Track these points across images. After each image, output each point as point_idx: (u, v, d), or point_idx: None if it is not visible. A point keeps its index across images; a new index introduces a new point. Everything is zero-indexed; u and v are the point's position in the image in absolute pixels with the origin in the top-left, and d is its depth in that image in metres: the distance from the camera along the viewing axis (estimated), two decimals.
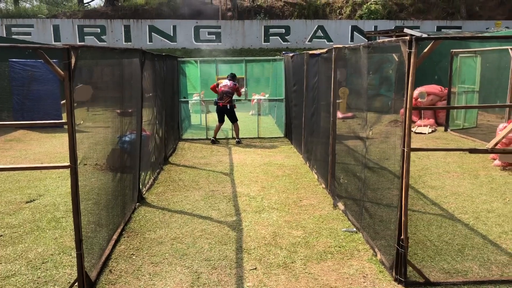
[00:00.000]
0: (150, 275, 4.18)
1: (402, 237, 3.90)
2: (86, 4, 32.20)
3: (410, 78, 3.72)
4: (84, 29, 26.10)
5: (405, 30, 20.32)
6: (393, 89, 4.41)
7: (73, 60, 3.41)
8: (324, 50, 6.83)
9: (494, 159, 8.24)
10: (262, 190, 6.89)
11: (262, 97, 14.20)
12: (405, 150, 3.81)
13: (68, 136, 3.46)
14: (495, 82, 12.06)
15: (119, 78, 5.47)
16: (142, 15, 27.56)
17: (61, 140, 11.15)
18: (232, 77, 10.72)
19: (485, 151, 3.92)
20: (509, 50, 9.54)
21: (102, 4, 31.01)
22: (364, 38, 25.32)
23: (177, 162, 8.91)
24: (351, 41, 26.33)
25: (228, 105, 10.57)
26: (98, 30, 26.12)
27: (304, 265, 4.38)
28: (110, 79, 5.55)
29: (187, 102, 12.59)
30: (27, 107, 12.62)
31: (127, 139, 6.08)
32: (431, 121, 12.60)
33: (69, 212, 5.50)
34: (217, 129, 10.87)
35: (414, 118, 13.00)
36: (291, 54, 10.57)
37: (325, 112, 6.84)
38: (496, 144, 3.86)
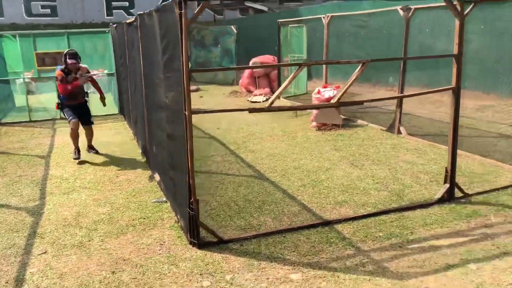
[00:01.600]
0: None
1: (192, 200, 3.94)
2: None
3: (183, 39, 3.67)
4: None
5: (246, 3, 20.83)
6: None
7: None
8: (133, 18, 6.53)
9: (312, 121, 8.92)
10: (78, 170, 6.46)
11: (100, 73, 13.33)
12: (186, 113, 3.79)
13: None
14: (317, 49, 12.93)
15: None
16: None
17: None
18: (65, 55, 6.73)
19: (263, 110, 4.11)
20: (322, 18, 10.29)
21: None
22: (210, 12, 25.35)
23: None
24: None
25: None
26: None
27: (102, 241, 4.19)
28: None
29: (4, 82, 11.17)
30: None
31: None
32: (267, 90, 13.16)
33: None
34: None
35: (251, 88, 13.46)
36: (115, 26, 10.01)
37: (140, 83, 6.60)
38: (272, 103, 4.06)
